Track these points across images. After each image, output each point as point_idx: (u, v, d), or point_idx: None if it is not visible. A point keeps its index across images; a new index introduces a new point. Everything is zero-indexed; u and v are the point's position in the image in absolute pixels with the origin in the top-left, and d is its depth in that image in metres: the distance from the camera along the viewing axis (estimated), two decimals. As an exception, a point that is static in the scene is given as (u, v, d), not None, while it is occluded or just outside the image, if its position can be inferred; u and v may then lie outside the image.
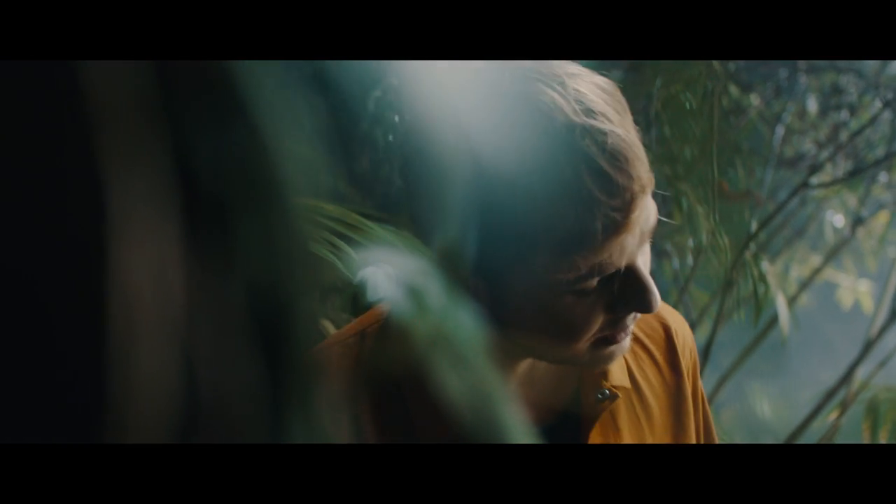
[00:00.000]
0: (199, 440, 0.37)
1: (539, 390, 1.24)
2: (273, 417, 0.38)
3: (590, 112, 0.98)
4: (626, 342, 1.12)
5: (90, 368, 0.34)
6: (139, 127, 0.34)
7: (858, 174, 3.05)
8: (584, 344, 1.10)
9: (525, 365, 1.21)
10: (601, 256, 1.01)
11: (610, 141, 0.97)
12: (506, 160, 0.98)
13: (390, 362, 1.18)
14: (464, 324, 0.47)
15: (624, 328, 1.10)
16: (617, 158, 0.97)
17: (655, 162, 2.75)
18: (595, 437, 1.21)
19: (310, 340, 0.39)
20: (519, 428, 0.50)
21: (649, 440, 1.26)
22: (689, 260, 3.17)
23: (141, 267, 0.33)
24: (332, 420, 0.42)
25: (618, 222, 0.99)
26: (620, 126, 1.00)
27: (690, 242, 3.11)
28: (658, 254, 3.23)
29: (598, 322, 1.08)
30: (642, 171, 1.00)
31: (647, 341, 1.30)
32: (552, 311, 1.07)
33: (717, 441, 1.41)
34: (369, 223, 1.40)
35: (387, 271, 0.45)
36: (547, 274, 1.03)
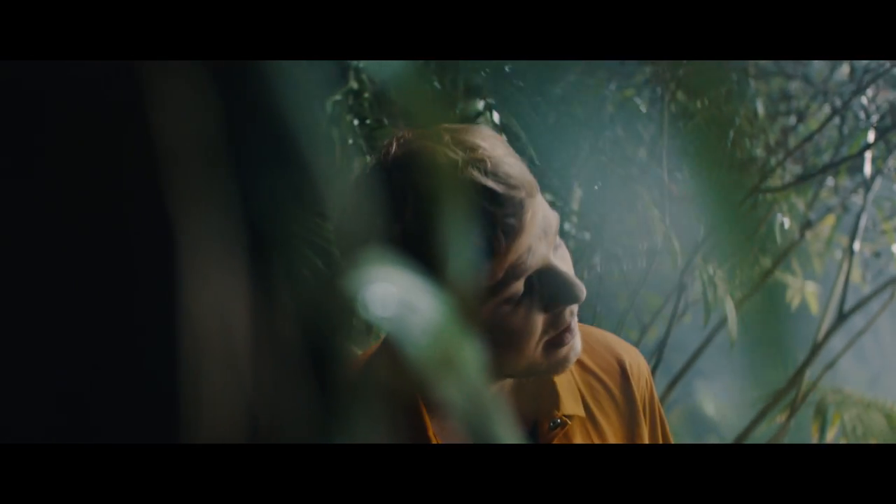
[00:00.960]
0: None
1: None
2: (321, 436, 0.39)
3: (467, 149, 1.16)
4: (576, 343, 1.24)
5: (161, 398, 0.35)
6: (205, 165, 0.34)
7: (807, 179, 3.09)
8: (535, 349, 1.22)
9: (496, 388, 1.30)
10: (511, 259, 1.16)
11: (489, 164, 1.15)
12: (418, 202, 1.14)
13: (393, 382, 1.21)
14: (462, 341, 0.48)
15: (566, 327, 1.23)
16: (497, 175, 1.15)
17: (610, 164, 2.77)
18: None
19: (349, 362, 0.40)
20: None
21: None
22: (640, 262, 3.19)
23: (208, 300, 0.34)
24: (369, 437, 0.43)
25: (514, 226, 1.15)
26: (492, 149, 1.17)
27: (643, 245, 3.14)
28: (609, 257, 3.25)
29: (539, 323, 1.21)
30: (523, 179, 1.17)
31: (602, 375, 1.41)
32: (496, 324, 1.19)
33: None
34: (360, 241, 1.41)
35: (385, 289, 0.46)
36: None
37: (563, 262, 1.24)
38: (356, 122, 1.93)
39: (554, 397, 1.32)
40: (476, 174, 1.14)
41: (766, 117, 3.58)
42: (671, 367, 3.37)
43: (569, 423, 1.31)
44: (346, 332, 0.40)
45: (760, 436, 3.29)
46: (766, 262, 4.26)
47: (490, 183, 1.15)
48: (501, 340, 1.20)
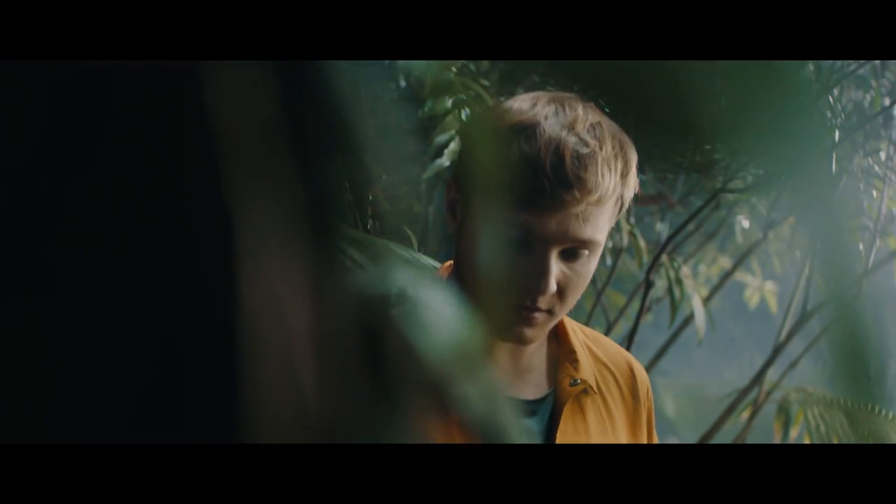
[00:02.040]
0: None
1: (524, 375, 1.42)
2: (375, 430, 0.39)
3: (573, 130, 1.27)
4: (533, 332, 1.33)
5: (219, 398, 0.34)
6: (264, 152, 0.33)
7: (771, 179, 3.10)
8: (500, 299, 1.21)
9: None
10: (531, 220, 1.26)
11: (582, 152, 1.25)
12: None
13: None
14: (471, 335, 0.47)
15: (526, 307, 1.30)
16: (578, 166, 1.25)
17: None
18: (566, 420, 1.38)
19: (403, 357, 0.40)
20: (518, 435, 0.51)
21: (611, 441, 1.43)
22: (607, 261, 3.20)
23: (267, 296, 0.33)
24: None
25: (552, 203, 1.25)
26: (595, 147, 1.26)
27: (609, 244, 3.14)
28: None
29: (519, 280, 1.29)
30: (592, 184, 1.25)
31: (612, 367, 1.51)
32: (483, 253, 1.19)
33: None
34: (373, 238, 1.43)
35: (400, 284, 0.45)
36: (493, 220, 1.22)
37: (571, 270, 1.31)
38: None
39: (575, 363, 1.42)
40: (567, 156, 1.25)
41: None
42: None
43: (588, 385, 1.41)
44: (393, 326, 0.39)
45: (724, 434, 3.31)
46: (725, 260, 4.29)
47: (569, 167, 1.25)
48: (479, 273, 1.27)
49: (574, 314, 3.47)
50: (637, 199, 3.48)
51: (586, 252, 1.31)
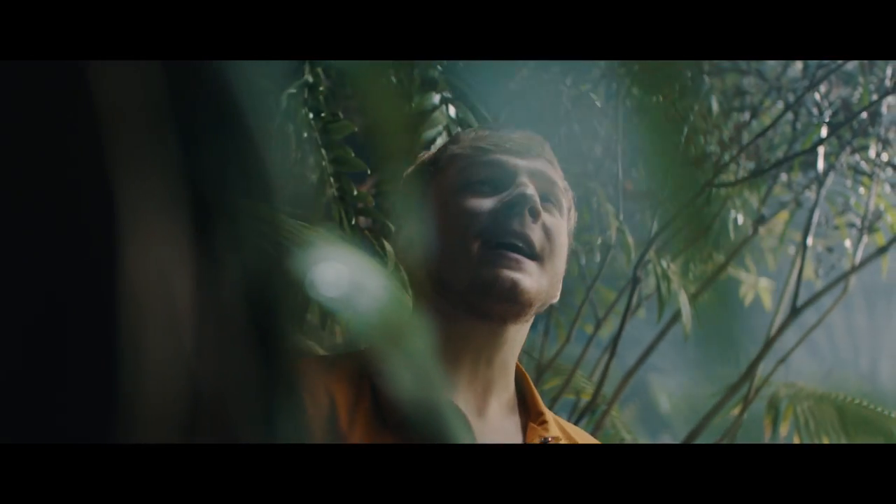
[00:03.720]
0: (198, 434, 0.37)
1: (490, 429, 1.36)
2: (263, 410, 0.40)
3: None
4: (525, 278, 1.30)
5: (101, 367, 0.35)
6: (147, 130, 0.34)
7: (760, 174, 3.11)
8: (479, 244, 1.31)
9: (469, 361, 1.35)
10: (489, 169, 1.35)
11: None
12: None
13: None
14: (410, 322, 0.48)
15: (507, 230, 1.31)
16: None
17: (564, 160, 2.77)
18: None
19: (296, 335, 0.40)
20: (460, 425, 0.52)
21: None
22: (597, 258, 3.20)
23: (149, 267, 0.34)
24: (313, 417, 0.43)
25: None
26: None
27: (599, 240, 3.15)
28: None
29: (485, 216, 1.32)
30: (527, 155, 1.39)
31: None
32: (457, 207, 1.34)
33: None
34: (309, 226, 1.43)
35: (334, 271, 0.46)
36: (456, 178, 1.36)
37: (548, 221, 1.35)
38: (311, 115, 1.92)
39: (542, 420, 1.38)
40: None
41: (721, 113, 3.60)
42: (626, 363, 3.38)
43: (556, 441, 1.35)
44: (292, 306, 0.40)
45: (715, 430, 3.32)
46: (720, 257, 4.29)
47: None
48: (452, 227, 1.33)
49: (563, 310, 3.47)
50: (627, 194, 3.49)
51: (552, 205, 1.37)
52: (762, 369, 3.22)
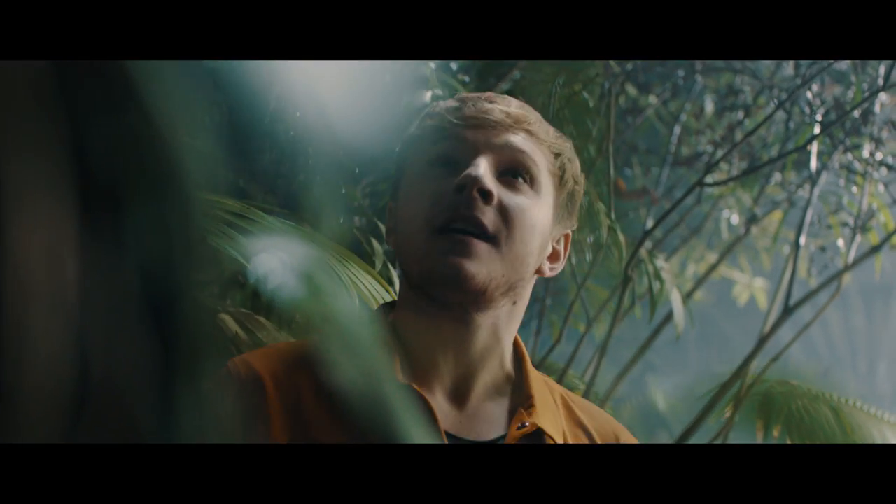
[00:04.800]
0: (87, 418, 0.37)
1: (472, 415, 1.31)
2: (162, 398, 0.39)
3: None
4: (473, 265, 1.23)
5: None
6: (33, 113, 0.34)
7: (752, 172, 3.11)
8: (427, 228, 1.25)
9: (444, 350, 1.30)
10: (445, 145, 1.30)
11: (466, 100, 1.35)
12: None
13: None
14: (355, 312, 0.47)
15: (453, 213, 1.24)
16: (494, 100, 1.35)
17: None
18: None
19: (202, 325, 0.40)
20: (408, 414, 0.51)
21: None
22: (588, 256, 3.20)
23: (34, 249, 0.34)
24: (224, 409, 0.42)
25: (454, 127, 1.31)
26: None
27: (590, 239, 3.15)
28: (558, 251, 3.25)
29: (433, 200, 1.26)
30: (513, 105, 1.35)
31: (595, 435, 1.38)
32: (414, 190, 1.31)
33: None
34: (266, 216, 1.42)
35: (281, 260, 0.45)
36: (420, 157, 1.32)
37: (512, 199, 1.28)
38: (299, 115, 1.92)
39: (529, 409, 1.30)
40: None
41: (714, 113, 3.60)
42: (621, 362, 3.38)
43: (541, 429, 1.28)
44: (198, 290, 0.39)
45: (708, 430, 3.31)
46: (712, 256, 4.30)
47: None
48: (415, 205, 1.28)
49: (555, 309, 3.46)
50: (620, 194, 3.49)
51: (523, 181, 1.29)
52: (756, 367, 3.22)
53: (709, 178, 3.01)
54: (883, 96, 2.96)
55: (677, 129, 3.48)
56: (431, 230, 1.23)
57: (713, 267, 3.81)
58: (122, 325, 0.36)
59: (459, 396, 1.31)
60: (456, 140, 1.29)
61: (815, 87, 2.95)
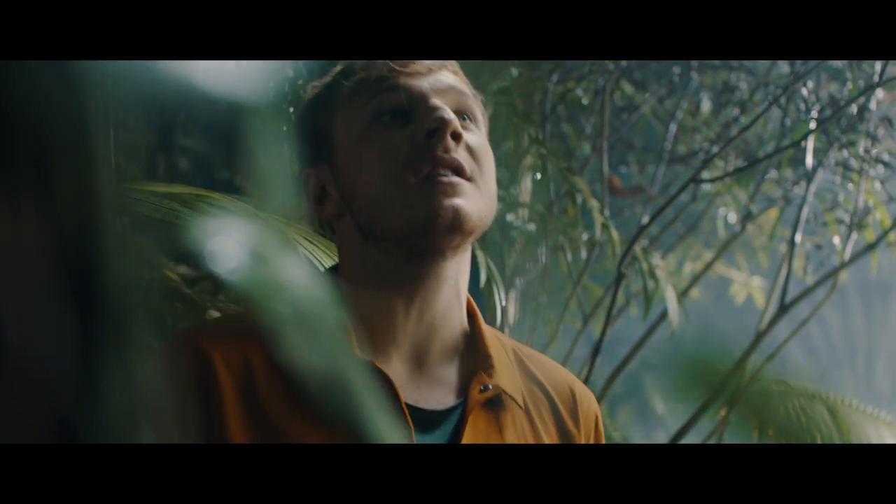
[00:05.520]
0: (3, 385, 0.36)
1: (431, 379, 1.29)
2: (85, 369, 0.38)
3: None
4: (445, 182, 1.22)
5: None
6: None
7: (746, 169, 3.10)
8: (406, 178, 1.22)
9: (407, 308, 1.28)
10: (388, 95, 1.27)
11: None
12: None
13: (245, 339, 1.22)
14: (317, 296, 0.46)
15: (431, 156, 1.22)
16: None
17: (549, 155, 2.77)
18: (474, 432, 1.24)
19: (128, 299, 0.39)
20: (374, 405, 0.50)
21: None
22: (583, 254, 3.19)
23: None
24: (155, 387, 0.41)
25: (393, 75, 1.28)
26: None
27: (584, 237, 3.14)
28: (553, 248, 3.25)
29: (405, 150, 1.23)
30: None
31: (550, 389, 1.36)
32: (370, 146, 1.26)
33: None
34: (216, 195, 1.42)
35: (234, 241, 0.44)
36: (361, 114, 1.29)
37: (471, 138, 1.28)
38: (291, 109, 1.91)
39: (488, 369, 1.28)
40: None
41: (711, 111, 3.60)
42: (619, 360, 3.37)
43: (501, 392, 1.27)
44: (121, 260, 0.38)
45: (703, 430, 3.30)
46: (709, 255, 4.29)
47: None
48: (376, 167, 1.24)
49: (551, 306, 3.45)
50: (616, 191, 3.49)
51: (469, 121, 1.29)
52: (753, 368, 3.21)
53: (704, 175, 2.99)
54: (879, 93, 2.95)
55: (673, 127, 3.47)
56: (412, 178, 1.21)
57: (708, 265, 3.80)
58: (37, 290, 0.36)
59: (418, 360, 1.29)
60: (402, 90, 1.26)
61: (810, 84, 2.94)
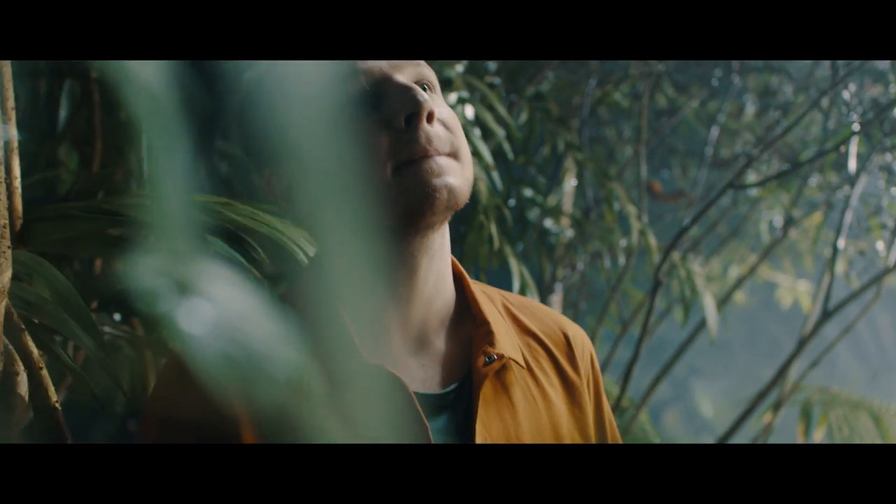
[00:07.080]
0: None
1: (434, 355, 1.29)
2: None
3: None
4: (432, 163, 1.20)
5: None
6: None
7: (786, 174, 3.06)
8: (387, 169, 1.20)
9: (408, 287, 1.28)
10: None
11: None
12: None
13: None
14: (270, 338, 0.45)
15: (414, 143, 1.19)
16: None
17: (587, 161, 2.75)
18: (486, 407, 1.25)
19: None
20: (385, 403, 0.49)
21: (545, 421, 1.30)
22: (622, 260, 3.17)
23: None
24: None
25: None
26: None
27: (623, 242, 3.12)
28: (592, 254, 3.24)
29: (385, 139, 1.20)
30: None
31: (544, 339, 1.37)
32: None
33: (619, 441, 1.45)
34: (239, 203, 1.42)
35: (177, 280, 0.43)
36: (312, 110, 1.19)
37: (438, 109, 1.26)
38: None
39: (489, 337, 1.28)
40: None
41: (754, 114, 3.56)
42: (661, 363, 3.35)
43: (505, 358, 1.27)
44: None
45: (746, 435, 3.27)
46: (755, 259, 4.24)
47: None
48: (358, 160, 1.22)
49: (590, 312, 3.42)
50: (656, 196, 3.46)
51: (431, 93, 1.28)
52: (796, 372, 3.17)
53: (748, 179, 2.96)
54: (923, 96, 2.90)
55: (715, 131, 3.44)
56: (401, 164, 1.21)
57: (751, 270, 3.76)
58: None
59: (420, 339, 1.29)
60: (360, 77, 1.25)
61: (853, 87, 2.90)
